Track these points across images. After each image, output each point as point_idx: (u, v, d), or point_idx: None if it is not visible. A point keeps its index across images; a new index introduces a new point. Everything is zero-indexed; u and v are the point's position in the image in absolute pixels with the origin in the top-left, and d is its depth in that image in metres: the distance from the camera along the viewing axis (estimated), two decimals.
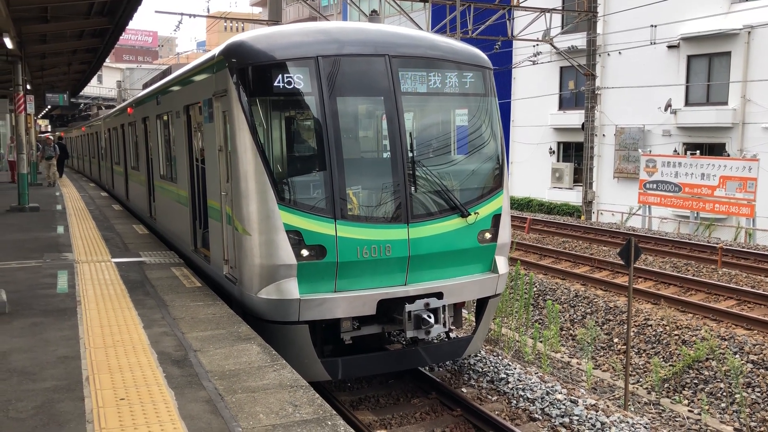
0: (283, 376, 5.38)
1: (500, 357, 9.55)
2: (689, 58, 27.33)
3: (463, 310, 8.62)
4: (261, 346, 6.12)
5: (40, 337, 6.36)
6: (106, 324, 6.77)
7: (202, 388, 5.11)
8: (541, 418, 7.66)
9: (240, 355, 5.87)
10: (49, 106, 35.31)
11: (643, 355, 11.23)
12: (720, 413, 9.25)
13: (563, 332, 12.58)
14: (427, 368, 8.73)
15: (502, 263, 8.00)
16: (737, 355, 10.22)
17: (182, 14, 24.01)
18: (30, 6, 14.37)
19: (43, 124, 66.06)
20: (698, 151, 25.10)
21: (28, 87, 21.48)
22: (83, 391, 5.03)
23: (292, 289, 6.88)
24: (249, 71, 7.07)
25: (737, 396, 9.24)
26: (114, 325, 6.72)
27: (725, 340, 10.76)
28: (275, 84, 6.94)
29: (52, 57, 22.25)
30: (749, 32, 25.05)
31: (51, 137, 29.49)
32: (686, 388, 9.98)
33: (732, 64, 25.87)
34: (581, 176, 28.46)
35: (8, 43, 14.76)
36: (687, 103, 27.57)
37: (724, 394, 9.53)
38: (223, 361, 5.71)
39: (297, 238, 6.85)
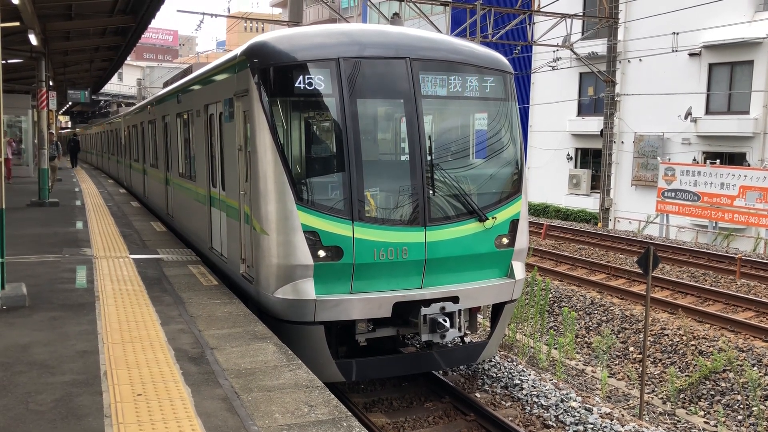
0: (298, 376, 5.40)
1: (515, 363, 9.51)
2: (711, 66, 27.08)
3: (479, 315, 8.59)
4: (277, 346, 6.15)
5: (60, 331, 6.43)
6: (124, 320, 6.83)
7: (218, 385, 5.14)
8: (555, 425, 7.62)
9: (256, 354, 5.89)
10: (70, 103, 35.75)
11: (659, 364, 11.13)
12: (737, 425, 9.15)
13: (578, 339, 12.50)
14: (440, 372, 8.71)
15: (518, 269, 7.97)
16: (755, 367, 10.11)
17: (204, 14, 24.21)
18: (55, 3, 14.55)
19: (64, 120, 66.82)
20: (718, 161, 24.85)
21: (51, 83, 21.71)
22: (101, 386, 5.08)
23: (308, 289, 6.90)
24: (270, 71, 7.11)
25: (755, 408, 9.13)
26: (132, 321, 6.78)
27: (743, 351, 10.64)
28: (296, 85, 6.97)
29: (75, 54, 22.51)
30: None
31: (53, 133, 26.10)
32: (702, 399, 9.88)
33: (754, 73, 25.60)
34: (599, 183, 28.29)
35: (33, 39, 14.94)
36: (707, 112, 27.32)
37: (741, 406, 9.42)
38: (239, 360, 5.74)
39: (314, 238, 6.87)
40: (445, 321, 7.09)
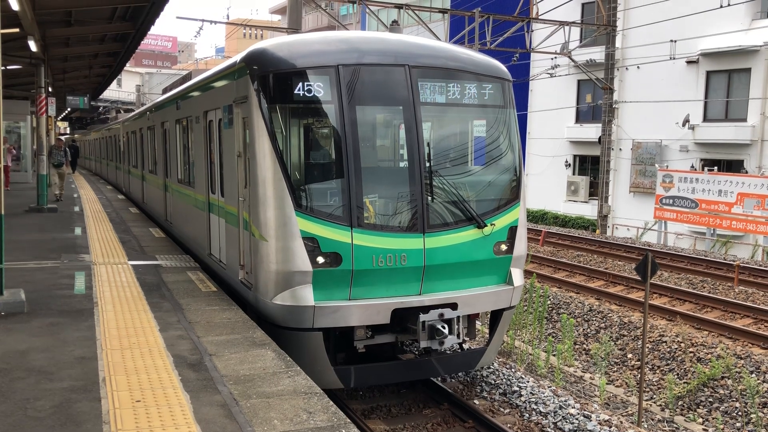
0: (297, 383, 5.39)
1: (513, 370, 9.50)
2: (708, 73, 27.18)
3: (477, 322, 8.59)
4: (276, 352, 6.15)
5: (58, 337, 6.43)
6: (123, 326, 6.83)
7: (217, 392, 5.14)
8: None
9: (255, 361, 5.89)
10: (69, 109, 35.76)
11: (657, 371, 11.13)
12: None
13: (577, 346, 12.50)
14: (439, 379, 8.70)
15: (517, 275, 7.98)
16: (753, 374, 10.11)
17: (203, 20, 24.09)
18: (55, 10, 14.57)
19: (63, 126, 66.81)
20: (716, 168, 24.93)
21: (50, 89, 21.70)
22: (100, 392, 5.08)
23: (307, 295, 6.91)
24: (270, 78, 7.13)
25: (753, 416, 9.13)
26: (130, 327, 6.77)
27: (741, 358, 10.65)
28: (296, 92, 6.99)
29: (74, 60, 22.53)
30: None
31: (62, 139, 23.47)
32: (701, 407, 9.88)
33: (752, 81, 25.70)
34: (597, 190, 28.34)
35: (32, 46, 14.98)
36: (705, 119, 27.41)
37: (740, 413, 9.42)
38: (238, 366, 5.74)
39: (313, 245, 6.88)
40: (444, 327, 7.10)
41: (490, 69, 7.97)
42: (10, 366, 5.62)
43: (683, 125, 27.42)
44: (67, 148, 22.13)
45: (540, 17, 25.46)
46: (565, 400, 8.35)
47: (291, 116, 7.34)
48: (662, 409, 9.94)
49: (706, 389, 10.12)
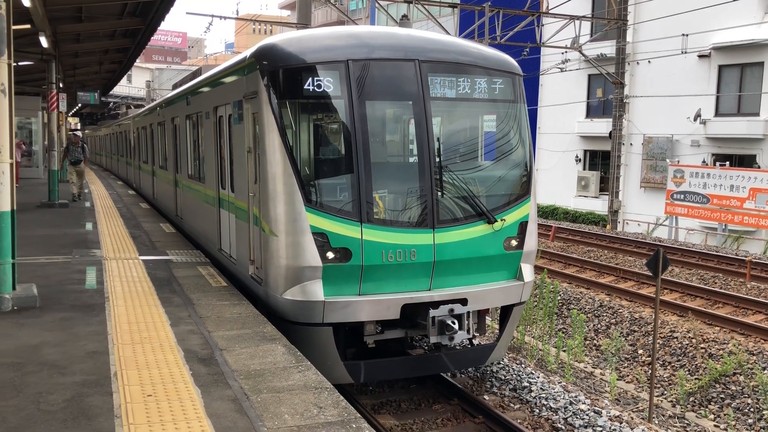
0: (307, 378, 5.41)
1: (523, 365, 9.49)
2: (720, 67, 26.95)
3: (487, 317, 8.58)
4: (286, 347, 6.16)
5: (70, 332, 6.47)
6: (134, 320, 6.86)
7: (227, 386, 5.15)
8: (564, 428, 7.59)
9: (265, 356, 5.90)
10: (79, 104, 35.93)
11: (668, 367, 11.08)
12: (747, 429, 9.09)
13: (587, 342, 12.46)
14: (449, 374, 8.70)
15: (527, 271, 7.95)
16: (766, 371, 10.04)
17: (212, 16, 24.18)
18: (66, 6, 14.65)
19: (74, 121, 67.19)
20: (728, 163, 24.72)
21: (61, 85, 21.80)
22: (111, 386, 5.10)
23: (317, 290, 6.92)
24: (280, 74, 7.13)
25: (765, 412, 9.08)
26: (141, 322, 6.81)
27: (753, 354, 10.58)
28: (305, 87, 6.99)
29: (85, 56, 22.64)
30: None
31: (79, 135, 21.76)
32: (712, 403, 9.83)
33: (764, 75, 25.46)
34: (607, 185, 28.20)
35: (44, 42, 15.06)
36: (717, 114, 27.18)
37: (752, 409, 9.36)
38: (248, 361, 5.75)
39: (323, 240, 6.89)
40: (454, 323, 7.09)
41: (500, 63, 7.94)
42: (23, 360, 5.67)
43: (695, 120, 27.22)
44: (85, 145, 20.86)
45: (550, 11, 25.32)
46: (576, 396, 8.32)
47: (301, 111, 7.34)
48: (673, 405, 9.90)
49: (717, 385, 10.06)
